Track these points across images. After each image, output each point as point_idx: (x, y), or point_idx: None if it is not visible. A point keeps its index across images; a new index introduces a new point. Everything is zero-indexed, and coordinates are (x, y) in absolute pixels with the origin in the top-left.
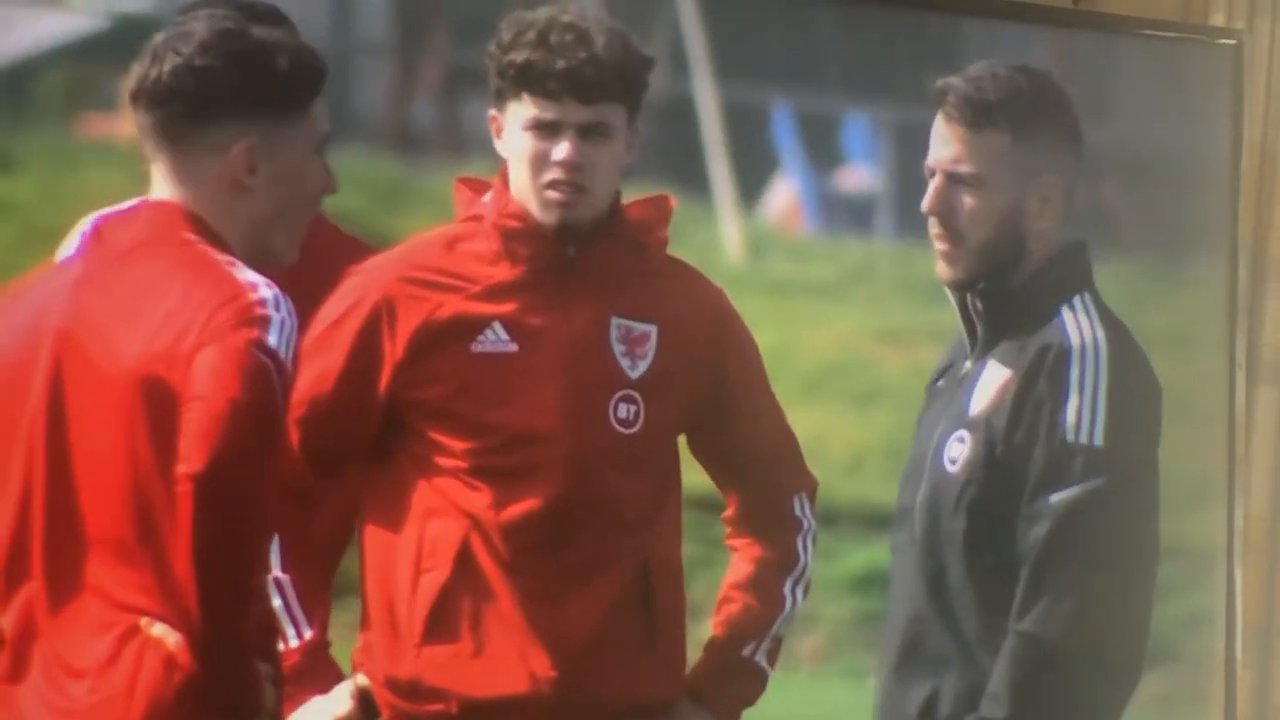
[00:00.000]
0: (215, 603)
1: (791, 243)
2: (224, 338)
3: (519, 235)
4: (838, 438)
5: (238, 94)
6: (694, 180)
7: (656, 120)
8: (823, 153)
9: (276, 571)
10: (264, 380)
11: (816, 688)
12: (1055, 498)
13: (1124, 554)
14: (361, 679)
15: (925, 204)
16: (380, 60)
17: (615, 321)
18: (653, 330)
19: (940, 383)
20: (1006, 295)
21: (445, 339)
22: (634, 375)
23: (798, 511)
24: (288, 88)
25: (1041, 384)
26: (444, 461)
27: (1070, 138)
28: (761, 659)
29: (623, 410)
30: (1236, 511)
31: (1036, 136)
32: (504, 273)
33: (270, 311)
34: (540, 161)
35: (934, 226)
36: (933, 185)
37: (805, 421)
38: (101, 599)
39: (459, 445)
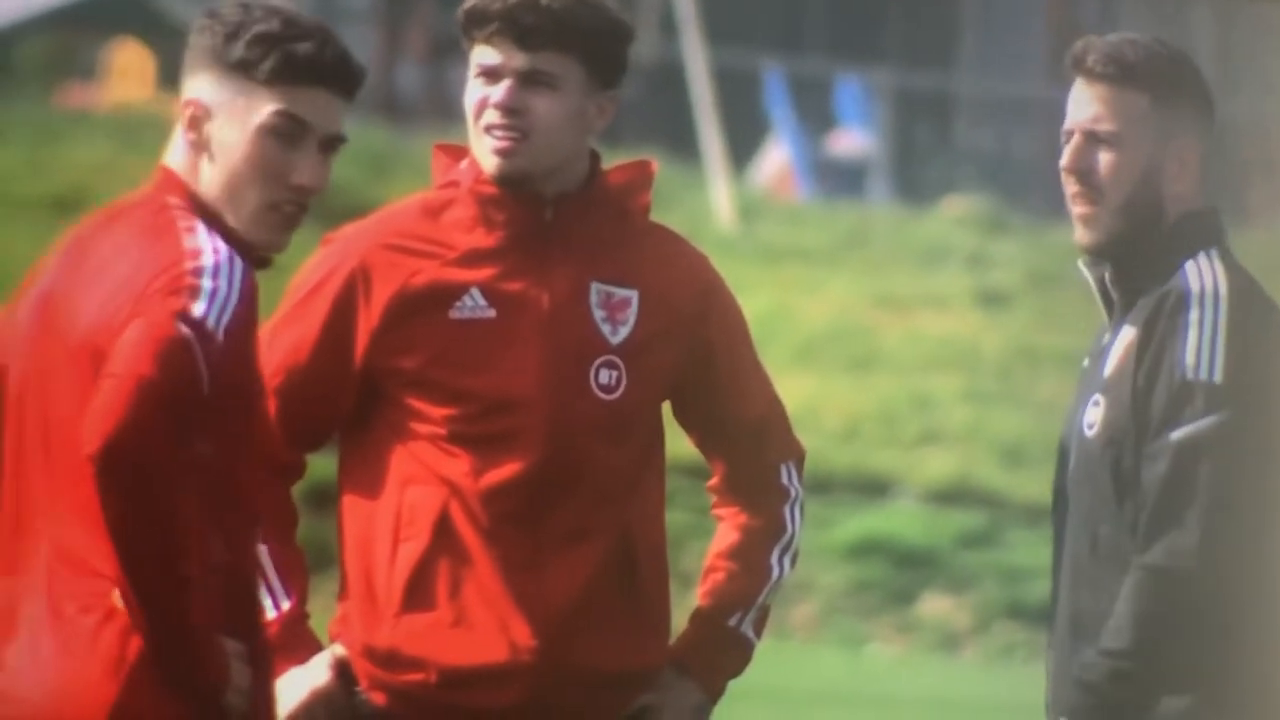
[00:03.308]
0: (140, 583)
1: (784, 208)
2: (151, 309)
3: (495, 200)
4: (832, 405)
5: (198, 53)
6: (684, 145)
7: (646, 85)
8: (815, 116)
9: None
10: (178, 354)
11: (809, 656)
12: (1176, 434)
13: (1251, 490)
14: (339, 649)
15: (1064, 162)
16: (366, 28)
17: (595, 287)
18: (634, 296)
19: (1086, 363)
20: (1139, 259)
21: (422, 306)
22: (615, 341)
23: (785, 480)
24: (243, 57)
25: (1161, 328)
26: (422, 429)
27: (1204, 106)
28: (748, 629)
29: (604, 376)
30: None
31: (1174, 100)
32: (481, 239)
33: (204, 280)
34: (481, 107)
35: (1072, 186)
36: (1071, 144)
37: (799, 388)
38: (75, 564)
39: (437, 412)
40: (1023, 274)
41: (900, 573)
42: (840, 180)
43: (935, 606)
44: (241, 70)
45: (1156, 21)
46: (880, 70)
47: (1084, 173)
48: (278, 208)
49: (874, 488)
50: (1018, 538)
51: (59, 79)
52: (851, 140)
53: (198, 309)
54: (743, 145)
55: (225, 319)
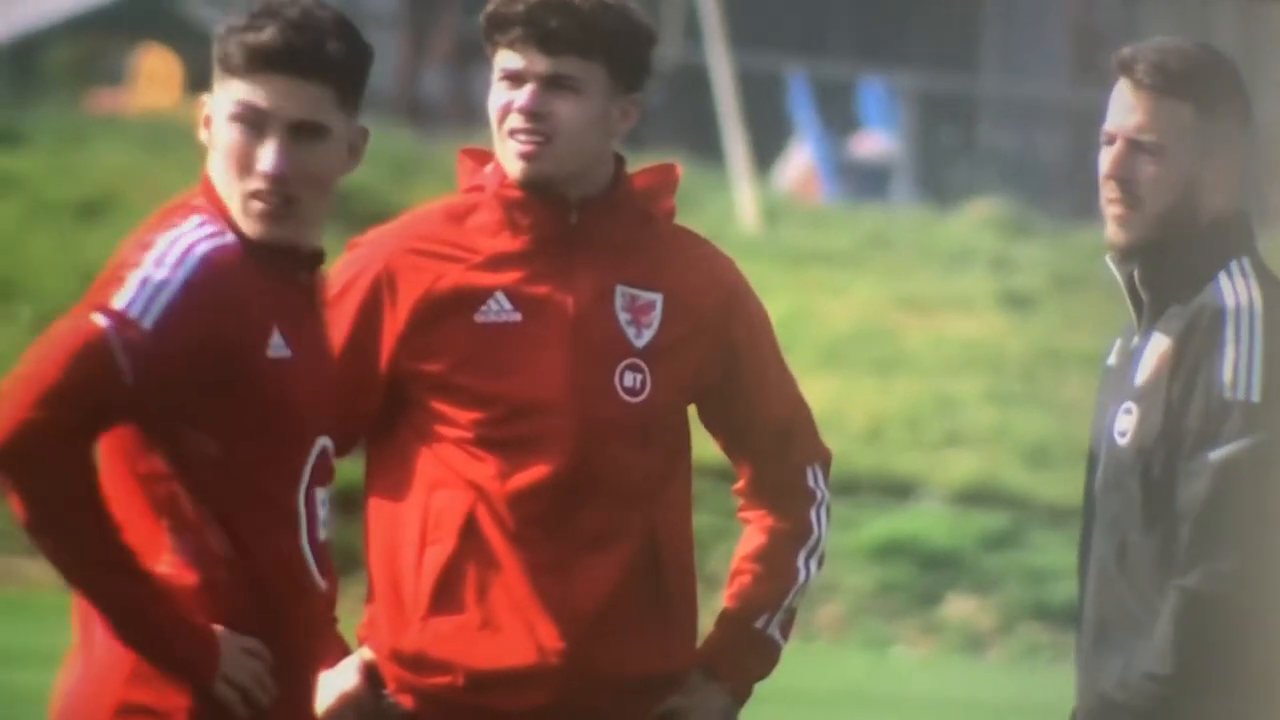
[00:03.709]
0: (69, 576)
1: (808, 210)
2: (79, 305)
3: (520, 204)
4: (857, 407)
5: (214, 57)
6: (708, 148)
7: (670, 89)
8: (838, 119)
9: None
10: (87, 349)
11: (835, 658)
12: (1214, 454)
13: None
14: (367, 653)
15: (1106, 168)
16: (391, 33)
17: (620, 290)
18: (658, 299)
19: (1111, 361)
20: (1170, 264)
21: (447, 310)
22: (639, 344)
23: (810, 482)
24: (224, 50)
25: (1197, 344)
26: (448, 433)
27: (1245, 114)
28: (774, 631)
29: (629, 379)
30: None
31: (1217, 111)
32: (506, 243)
33: (138, 271)
34: (504, 112)
35: (1111, 191)
36: (1114, 150)
37: (824, 391)
38: None
39: (463, 416)
40: (1046, 276)
41: (925, 574)
42: (864, 182)
43: (960, 608)
44: (220, 65)
45: (1179, 22)
46: (903, 73)
47: (1125, 180)
48: (256, 197)
49: (898, 489)
50: (1042, 539)
51: (86, 84)
52: (875, 142)
53: (120, 300)
54: (767, 148)
55: (155, 309)
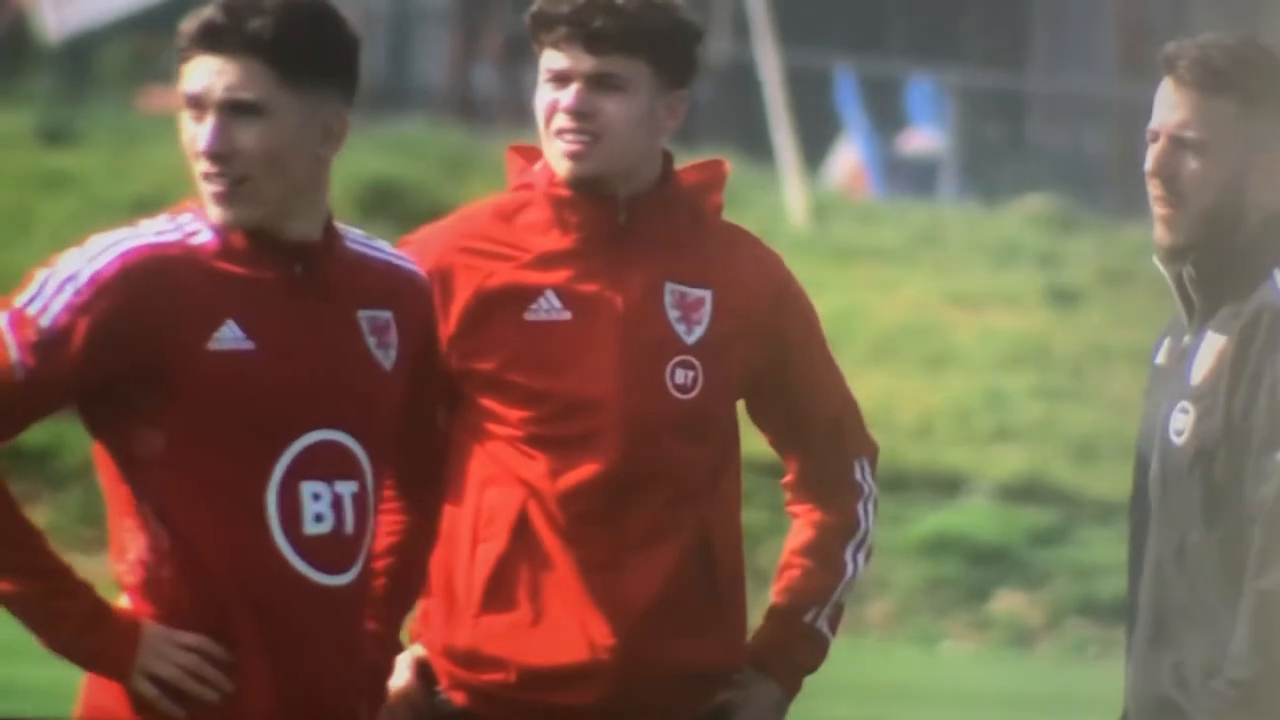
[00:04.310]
0: None
1: (856, 207)
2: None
3: (569, 203)
4: (906, 402)
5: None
6: (757, 146)
7: (719, 86)
8: (886, 116)
9: None
10: None
11: (886, 653)
12: None
13: None
14: (419, 649)
15: (1149, 166)
16: (442, 29)
17: (669, 287)
18: (708, 295)
19: (1159, 359)
20: (1221, 262)
21: (497, 308)
22: (690, 340)
23: (858, 476)
24: (180, 37)
25: (1258, 344)
26: (500, 430)
27: None
28: (823, 625)
29: (680, 376)
30: None
31: (1263, 107)
32: (556, 241)
33: (50, 269)
34: (551, 111)
35: (1155, 189)
36: (1157, 148)
37: (873, 386)
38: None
39: (514, 414)
40: (1094, 272)
41: (974, 569)
42: (912, 179)
43: (1008, 603)
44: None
45: (1228, 20)
46: (952, 69)
47: (1169, 178)
48: (206, 179)
49: (947, 485)
50: (1090, 534)
51: (140, 83)
52: (923, 139)
53: (21, 298)
54: (815, 145)
55: (56, 305)
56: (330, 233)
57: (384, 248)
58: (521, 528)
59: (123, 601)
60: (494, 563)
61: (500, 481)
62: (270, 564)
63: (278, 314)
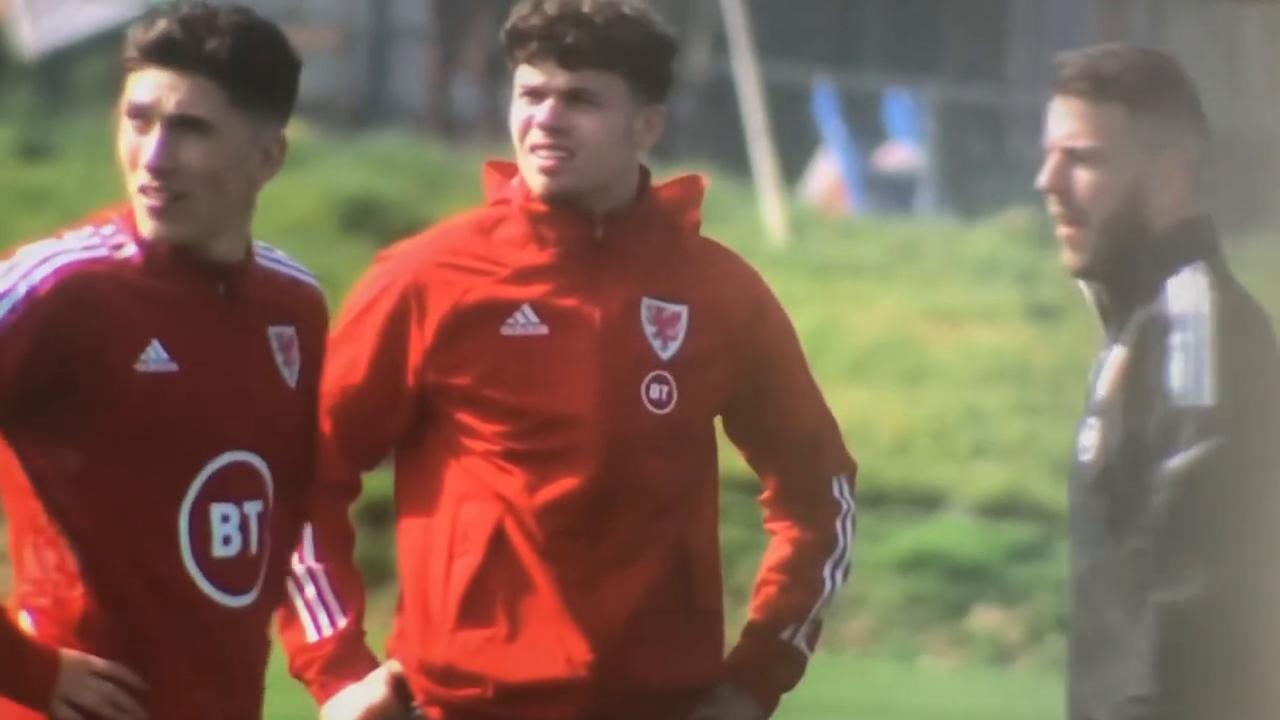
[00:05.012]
0: None
1: (835, 222)
2: None
3: (546, 218)
4: (885, 418)
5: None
6: (735, 160)
7: (697, 101)
8: (866, 130)
9: (310, 561)
10: None
11: (864, 670)
12: (1172, 463)
13: (1255, 512)
14: (395, 665)
15: (1043, 181)
16: (421, 45)
17: (646, 302)
18: (684, 311)
19: (1090, 376)
20: (1128, 275)
21: (474, 323)
22: (665, 356)
23: (837, 493)
24: (130, 46)
25: (1148, 351)
26: (476, 445)
27: (1191, 115)
28: (801, 643)
29: (655, 391)
30: None
31: (1155, 112)
32: (533, 256)
33: None
34: (526, 127)
35: (1053, 206)
36: (1049, 163)
37: (851, 402)
38: None
39: (491, 429)
40: (1073, 287)
41: (952, 586)
42: (891, 194)
43: (987, 619)
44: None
45: (1206, 33)
46: (931, 84)
47: (1064, 192)
48: (144, 192)
49: (926, 501)
50: (1069, 550)
51: (117, 98)
52: (902, 154)
53: None
54: (794, 160)
55: None
56: (249, 253)
57: (287, 260)
58: (498, 543)
59: (22, 620)
60: (470, 578)
61: (476, 496)
62: (180, 586)
63: (201, 334)
